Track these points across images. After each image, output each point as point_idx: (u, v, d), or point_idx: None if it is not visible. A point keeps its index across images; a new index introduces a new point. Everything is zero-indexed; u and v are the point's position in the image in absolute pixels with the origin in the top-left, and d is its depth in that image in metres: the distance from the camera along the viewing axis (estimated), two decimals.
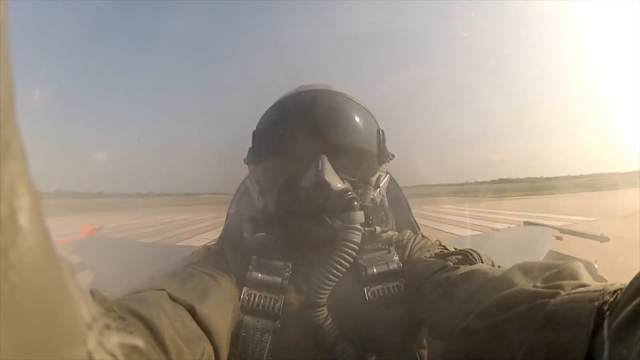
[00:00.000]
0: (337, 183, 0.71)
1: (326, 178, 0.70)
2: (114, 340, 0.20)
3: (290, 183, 0.74)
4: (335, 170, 0.72)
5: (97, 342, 0.19)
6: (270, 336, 0.71)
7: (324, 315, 0.71)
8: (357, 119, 0.79)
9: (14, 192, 0.16)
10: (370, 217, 0.79)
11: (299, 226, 0.75)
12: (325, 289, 0.70)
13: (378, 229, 0.80)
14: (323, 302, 0.71)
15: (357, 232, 0.70)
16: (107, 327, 0.20)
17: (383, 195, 0.89)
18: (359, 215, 0.71)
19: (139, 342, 0.22)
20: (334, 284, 0.70)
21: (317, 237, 0.74)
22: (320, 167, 0.70)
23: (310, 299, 0.71)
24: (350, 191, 0.72)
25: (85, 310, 0.20)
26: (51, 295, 0.18)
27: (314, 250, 0.78)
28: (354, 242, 0.70)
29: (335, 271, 0.69)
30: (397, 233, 0.86)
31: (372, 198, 0.79)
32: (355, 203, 0.71)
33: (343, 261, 0.69)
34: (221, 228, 1.13)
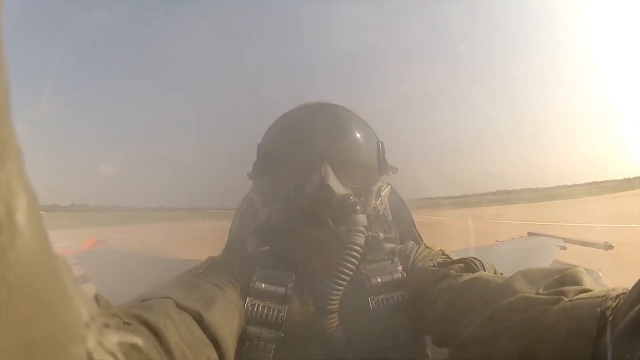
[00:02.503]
0: (339, 188, 0.73)
1: (329, 183, 0.72)
2: (113, 339, 0.20)
3: (295, 190, 0.76)
4: (338, 177, 0.74)
5: (97, 341, 0.19)
6: (273, 346, 0.71)
7: (335, 324, 0.71)
8: (357, 130, 0.82)
9: (12, 191, 0.16)
10: (373, 226, 0.81)
11: (303, 232, 0.76)
12: (335, 294, 0.70)
13: (381, 234, 0.81)
14: (334, 309, 0.71)
15: (360, 235, 0.71)
16: (106, 326, 0.20)
17: (386, 208, 0.90)
18: (362, 219, 0.73)
19: (138, 340, 0.22)
20: (342, 288, 0.70)
21: (321, 242, 0.75)
22: (323, 174, 0.73)
23: (320, 306, 0.71)
24: (352, 196, 0.74)
25: (83, 309, 0.20)
26: (49, 294, 0.18)
27: (318, 259, 0.78)
28: (358, 245, 0.71)
29: (342, 275, 0.70)
30: (400, 245, 0.87)
31: (374, 206, 0.81)
32: (358, 207, 0.73)
33: (349, 264, 0.70)
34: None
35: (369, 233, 0.76)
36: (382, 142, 0.85)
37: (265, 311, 0.72)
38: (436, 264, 0.74)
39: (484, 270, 0.67)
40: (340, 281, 0.70)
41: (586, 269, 0.49)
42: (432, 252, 0.81)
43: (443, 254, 0.79)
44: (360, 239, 0.71)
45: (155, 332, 0.49)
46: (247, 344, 0.71)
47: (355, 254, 0.70)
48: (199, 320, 0.59)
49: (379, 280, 0.75)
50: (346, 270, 0.70)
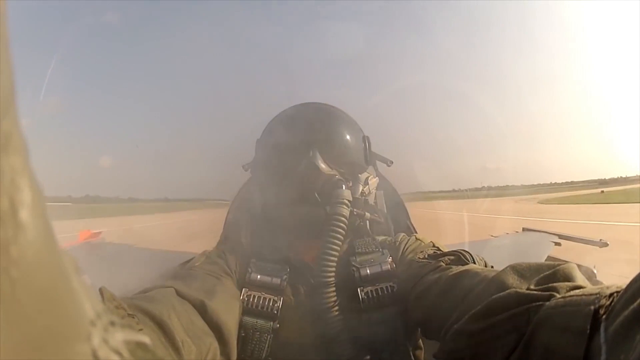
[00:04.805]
0: (326, 168, 0.80)
1: (316, 162, 0.78)
2: (119, 337, 0.20)
3: (287, 173, 0.81)
4: (325, 161, 0.81)
5: (102, 339, 0.19)
6: (269, 336, 0.73)
7: (333, 298, 0.74)
8: (343, 126, 0.90)
9: (15, 186, 0.16)
10: (361, 208, 0.85)
11: (293, 211, 0.80)
12: (328, 265, 0.74)
13: (368, 214, 0.86)
14: (331, 280, 0.74)
15: (345, 207, 0.77)
16: (112, 323, 0.20)
17: (378, 199, 0.94)
18: (347, 193, 0.78)
19: (145, 338, 0.22)
20: (335, 258, 0.75)
21: (309, 218, 0.79)
22: (311, 155, 0.79)
23: (317, 279, 0.74)
24: (337, 175, 0.81)
25: (89, 306, 0.19)
26: (54, 291, 0.17)
27: (308, 243, 0.81)
28: (343, 215, 0.76)
29: (331, 245, 0.75)
30: (390, 237, 0.89)
31: (362, 192, 0.86)
32: (343, 184, 0.79)
33: (336, 234, 0.75)
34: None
35: (355, 210, 0.81)
36: (368, 137, 0.92)
37: (261, 302, 0.74)
38: (426, 256, 0.75)
39: (475, 263, 0.68)
40: (331, 251, 0.74)
41: (579, 265, 0.49)
42: (423, 244, 0.83)
43: (434, 246, 0.81)
44: (345, 210, 0.77)
45: (159, 324, 0.49)
46: (243, 334, 0.72)
47: (340, 223, 0.76)
48: (202, 309, 0.60)
49: (368, 271, 0.77)
50: (334, 240, 0.75)
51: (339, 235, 0.75)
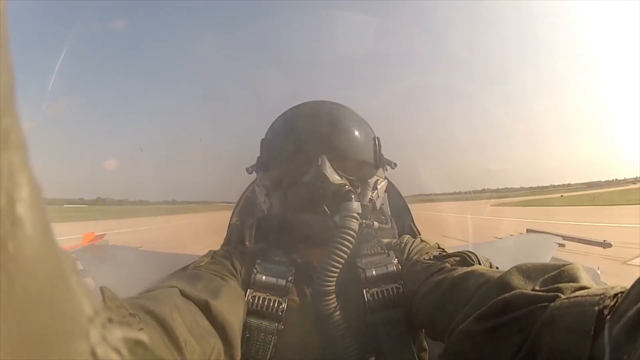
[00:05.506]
0: (335, 177, 0.76)
1: (325, 172, 0.75)
2: (118, 334, 0.20)
3: (294, 180, 0.79)
4: (334, 169, 0.77)
5: (100, 336, 0.19)
6: (273, 337, 0.72)
7: (334, 305, 0.72)
8: (354, 126, 0.85)
9: (13, 182, 0.16)
10: (369, 216, 0.83)
11: (301, 220, 0.78)
12: (330, 276, 0.72)
13: (376, 224, 0.83)
14: (331, 289, 0.72)
15: (354, 220, 0.73)
16: (110, 321, 0.20)
17: (383, 203, 0.93)
18: (356, 206, 0.75)
19: (143, 337, 0.21)
20: (337, 270, 0.72)
21: (317, 229, 0.77)
22: (320, 164, 0.75)
23: (317, 287, 0.72)
24: (347, 185, 0.77)
25: (87, 303, 0.19)
26: (51, 287, 0.17)
27: (315, 250, 0.80)
28: (352, 229, 0.73)
29: (337, 257, 0.72)
30: (396, 239, 0.88)
31: (370, 198, 0.83)
32: (352, 195, 0.75)
33: (343, 247, 0.72)
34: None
35: (364, 221, 0.78)
36: (378, 138, 0.88)
37: (266, 303, 0.74)
38: (432, 257, 0.75)
39: (480, 264, 0.68)
40: (335, 263, 0.72)
41: (583, 266, 0.49)
42: (428, 246, 0.82)
43: (439, 248, 0.80)
44: (354, 224, 0.73)
45: (161, 323, 0.49)
46: (247, 335, 0.72)
47: (349, 237, 0.72)
48: (206, 309, 0.60)
49: (374, 273, 0.77)
50: (340, 253, 0.72)
51: (346, 249, 0.72)
